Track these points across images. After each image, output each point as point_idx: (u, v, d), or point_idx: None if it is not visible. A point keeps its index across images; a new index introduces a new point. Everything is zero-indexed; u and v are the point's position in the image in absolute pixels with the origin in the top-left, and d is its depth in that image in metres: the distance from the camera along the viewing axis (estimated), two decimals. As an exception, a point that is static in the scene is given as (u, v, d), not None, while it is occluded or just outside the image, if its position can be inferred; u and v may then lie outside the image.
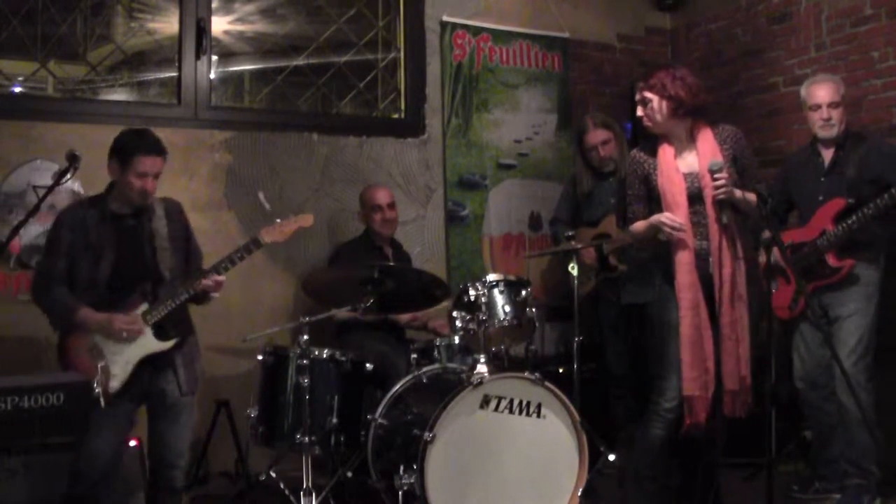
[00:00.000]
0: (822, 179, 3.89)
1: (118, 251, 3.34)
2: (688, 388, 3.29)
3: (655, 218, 3.36)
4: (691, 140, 3.42)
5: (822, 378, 3.91)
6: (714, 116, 3.55)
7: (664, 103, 3.34)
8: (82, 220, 3.36)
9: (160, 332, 3.33)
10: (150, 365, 3.33)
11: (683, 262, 3.32)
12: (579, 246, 4.14)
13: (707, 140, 3.39)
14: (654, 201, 3.45)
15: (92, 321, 3.26)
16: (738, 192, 3.29)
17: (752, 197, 3.36)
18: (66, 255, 3.33)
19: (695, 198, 3.34)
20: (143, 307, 3.32)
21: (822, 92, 3.87)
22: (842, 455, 3.84)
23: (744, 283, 3.32)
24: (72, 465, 2.77)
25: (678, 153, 3.41)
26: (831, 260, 3.77)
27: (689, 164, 3.39)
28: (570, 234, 4.28)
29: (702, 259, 3.32)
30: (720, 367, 3.25)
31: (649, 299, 3.51)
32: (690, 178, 3.36)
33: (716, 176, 3.22)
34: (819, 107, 3.86)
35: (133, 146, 3.32)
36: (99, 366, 3.23)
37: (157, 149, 3.36)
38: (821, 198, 3.85)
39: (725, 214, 3.23)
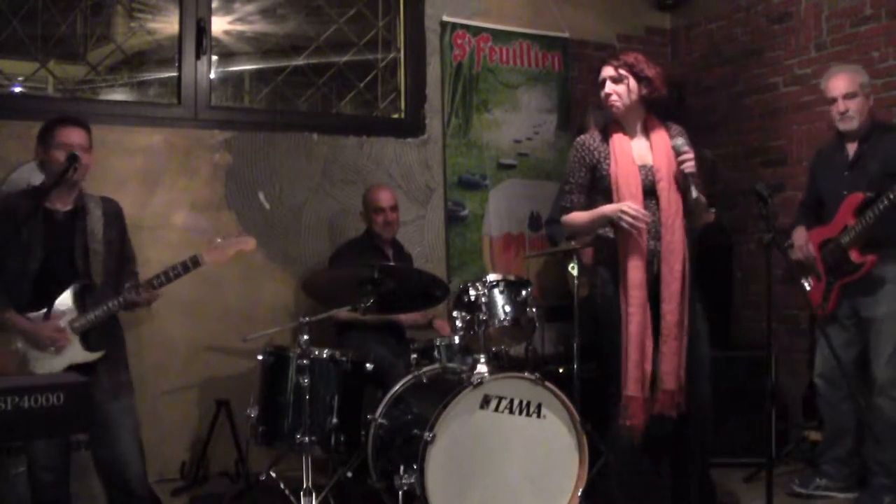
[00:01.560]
0: (846, 174, 3.82)
1: (48, 249, 3.19)
2: (627, 387, 3.24)
3: (613, 207, 3.23)
4: (643, 132, 3.34)
5: (841, 378, 3.87)
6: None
7: (640, 85, 3.26)
8: (13, 212, 3.20)
9: (87, 342, 3.20)
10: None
11: (634, 259, 3.22)
12: (579, 246, 4.14)
13: (660, 134, 3.32)
14: (598, 192, 3.34)
15: (20, 327, 3.10)
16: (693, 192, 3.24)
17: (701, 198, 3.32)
18: None
19: (647, 192, 3.26)
20: (72, 315, 3.17)
21: (836, 83, 3.81)
22: (866, 453, 3.81)
23: (690, 282, 3.25)
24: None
25: (631, 144, 3.32)
26: (854, 256, 3.71)
27: (642, 156, 3.30)
28: (570, 234, 4.28)
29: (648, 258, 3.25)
30: (657, 367, 3.20)
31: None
32: (644, 170, 3.27)
33: (683, 149, 3.19)
34: (835, 100, 3.80)
35: (51, 123, 3.30)
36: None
37: (76, 121, 3.31)
38: (844, 192, 3.78)
39: (693, 190, 3.19)
